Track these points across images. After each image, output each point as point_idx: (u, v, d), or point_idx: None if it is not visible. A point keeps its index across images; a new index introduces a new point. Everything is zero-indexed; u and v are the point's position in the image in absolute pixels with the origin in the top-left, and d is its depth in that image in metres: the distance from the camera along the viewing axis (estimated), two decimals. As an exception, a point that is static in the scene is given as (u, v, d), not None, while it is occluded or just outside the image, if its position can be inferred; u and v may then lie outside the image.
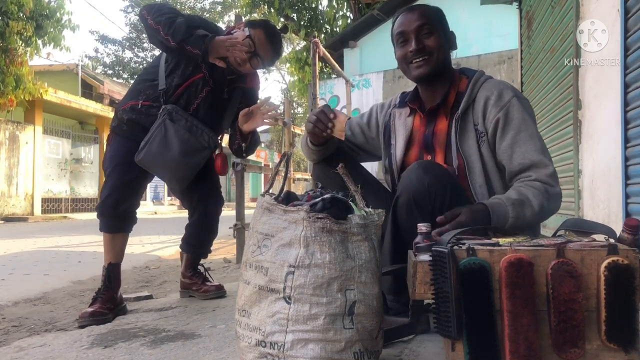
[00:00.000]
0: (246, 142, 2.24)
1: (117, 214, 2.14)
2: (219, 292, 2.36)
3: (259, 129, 2.34)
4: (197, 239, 2.42)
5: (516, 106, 1.55)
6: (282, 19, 11.99)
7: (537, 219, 1.48)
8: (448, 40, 1.67)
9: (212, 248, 2.53)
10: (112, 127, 2.23)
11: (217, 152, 2.31)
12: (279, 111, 2.24)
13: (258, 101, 2.34)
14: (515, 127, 1.53)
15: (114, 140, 2.19)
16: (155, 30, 2.00)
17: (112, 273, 2.15)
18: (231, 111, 2.29)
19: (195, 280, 2.41)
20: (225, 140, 2.43)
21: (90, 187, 15.27)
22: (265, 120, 2.19)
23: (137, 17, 26.35)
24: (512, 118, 1.54)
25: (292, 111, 6.40)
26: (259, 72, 2.39)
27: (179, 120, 2.12)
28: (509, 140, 1.53)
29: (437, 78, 1.65)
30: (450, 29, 1.70)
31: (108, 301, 2.06)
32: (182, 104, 2.16)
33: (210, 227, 2.40)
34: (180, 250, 2.52)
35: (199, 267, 2.46)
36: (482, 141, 1.58)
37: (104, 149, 2.32)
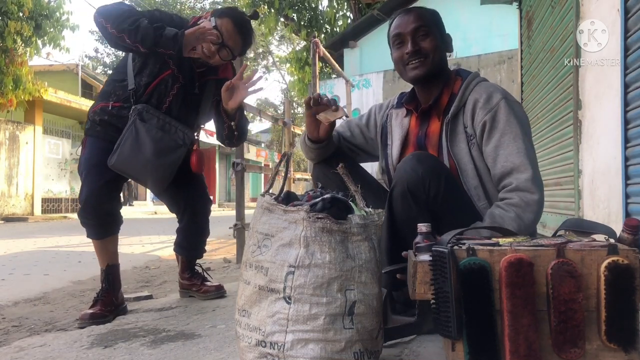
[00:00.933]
0: (234, 121, 2.13)
1: (100, 220, 2.07)
2: (219, 292, 2.35)
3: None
4: (189, 242, 2.38)
5: (503, 109, 1.54)
6: (282, 19, 12.00)
7: None
8: (444, 42, 1.67)
9: (212, 248, 2.53)
10: (85, 130, 2.15)
11: (193, 148, 2.22)
12: (259, 75, 2.08)
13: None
14: (500, 130, 1.53)
15: (88, 142, 2.11)
16: (119, 38, 1.92)
17: (111, 275, 2.13)
18: (205, 105, 2.21)
19: (195, 281, 2.39)
20: (213, 139, 2.37)
21: (90, 187, 15.24)
22: (249, 90, 2.06)
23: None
24: (498, 121, 1.54)
25: (292, 111, 6.39)
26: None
27: (150, 119, 2.04)
28: (494, 143, 1.53)
29: (433, 79, 1.66)
30: (447, 31, 1.70)
31: (109, 303, 2.06)
32: (154, 102, 2.07)
33: (201, 229, 2.36)
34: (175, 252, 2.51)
35: (197, 267, 2.45)
36: (472, 144, 1.58)
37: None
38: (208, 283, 2.40)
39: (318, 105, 1.64)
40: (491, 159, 1.54)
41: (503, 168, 1.51)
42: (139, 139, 2.01)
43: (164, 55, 2.00)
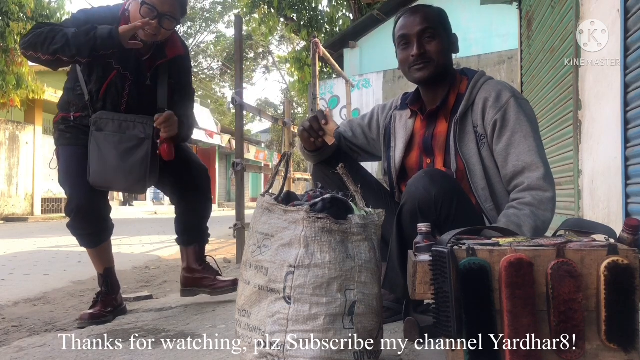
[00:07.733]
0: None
1: (95, 228, 2.04)
2: (236, 288, 2.12)
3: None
4: (191, 223, 2.25)
5: (513, 107, 1.54)
6: (282, 19, 12.00)
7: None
8: (450, 43, 1.65)
9: (212, 248, 2.50)
10: (55, 140, 2.11)
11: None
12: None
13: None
14: (510, 129, 1.53)
15: (61, 152, 2.06)
16: (57, 61, 1.87)
17: (109, 278, 2.13)
18: (163, 90, 2.11)
19: (207, 275, 2.23)
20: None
21: (90, 187, 15.24)
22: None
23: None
24: (508, 119, 1.53)
25: (292, 111, 6.39)
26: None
27: (106, 125, 1.99)
28: (505, 143, 1.53)
29: (438, 81, 1.64)
30: (453, 31, 1.69)
31: (109, 304, 2.06)
32: (110, 107, 2.03)
33: (194, 210, 2.23)
34: (180, 247, 2.34)
35: (208, 258, 2.29)
36: (483, 144, 1.57)
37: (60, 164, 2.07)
38: (221, 277, 2.24)
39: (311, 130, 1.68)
40: (502, 158, 1.53)
41: (515, 167, 1.50)
42: (101, 150, 1.98)
43: (105, 57, 1.92)
